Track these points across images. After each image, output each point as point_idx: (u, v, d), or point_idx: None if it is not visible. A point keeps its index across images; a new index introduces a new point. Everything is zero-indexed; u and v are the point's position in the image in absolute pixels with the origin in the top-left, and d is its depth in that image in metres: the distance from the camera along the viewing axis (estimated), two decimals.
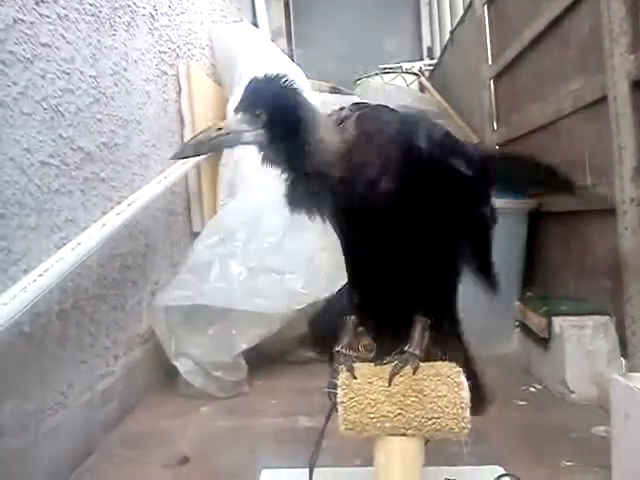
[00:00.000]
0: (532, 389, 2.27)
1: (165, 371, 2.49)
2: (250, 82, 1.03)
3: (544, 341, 2.25)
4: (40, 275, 1.60)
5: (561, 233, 2.77)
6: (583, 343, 2.09)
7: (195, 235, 2.95)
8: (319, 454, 1.13)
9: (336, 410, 1.03)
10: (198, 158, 2.95)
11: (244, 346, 2.43)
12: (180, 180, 2.87)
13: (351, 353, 1.08)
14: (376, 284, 1.09)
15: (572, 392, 2.09)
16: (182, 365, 2.39)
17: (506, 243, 2.67)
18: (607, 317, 2.12)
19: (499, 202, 2.96)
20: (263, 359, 2.64)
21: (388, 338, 1.12)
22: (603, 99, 2.15)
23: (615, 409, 1.45)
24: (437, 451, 1.19)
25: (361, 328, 1.12)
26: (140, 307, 2.47)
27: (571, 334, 2.10)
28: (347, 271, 1.13)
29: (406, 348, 1.04)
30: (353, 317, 1.12)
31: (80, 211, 1.99)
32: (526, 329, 2.45)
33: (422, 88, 5.61)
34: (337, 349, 1.08)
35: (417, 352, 1.04)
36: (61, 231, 1.86)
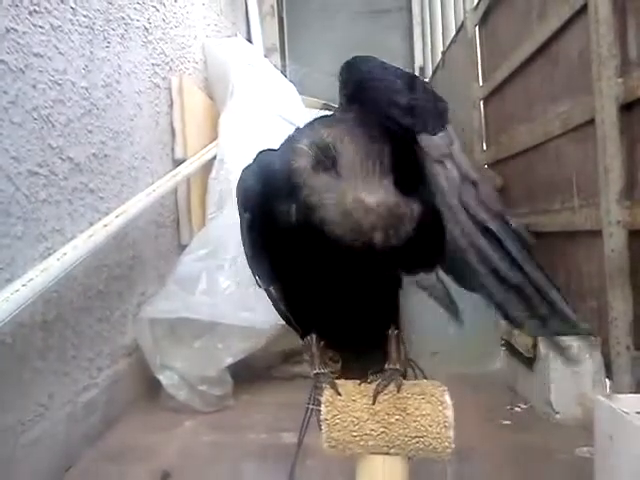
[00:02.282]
0: (517, 409, 2.27)
1: (149, 384, 2.46)
2: None
3: (530, 361, 2.25)
4: (24, 285, 1.59)
5: (548, 253, 2.78)
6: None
7: (183, 247, 2.94)
8: (300, 471, 1.13)
9: (320, 427, 1.03)
10: (189, 171, 2.96)
11: (230, 360, 2.42)
12: (169, 192, 2.86)
13: (327, 370, 1.07)
14: (341, 303, 1.08)
15: (557, 412, 2.09)
16: (166, 378, 2.37)
17: None
18: (592, 338, 2.12)
19: None
20: (249, 374, 2.62)
21: (352, 350, 1.12)
22: (591, 122, 2.18)
23: (599, 430, 1.46)
24: (421, 470, 1.18)
25: (322, 342, 1.11)
26: (125, 319, 2.45)
27: (556, 354, 2.10)
28: (294, 294, 1.11)
29: (387, 365, 1.04)
30: (314, 335, 1.11)
31: (67, 221, 1.98)
32: (512, 348, 2.45)
33: None
34: (314, 372, 1.07)
35: (398, 366, 1.04)
36: (47, 241, 1.85)
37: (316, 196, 0.90)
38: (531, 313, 0.91)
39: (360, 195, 0.89)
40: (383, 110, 0.93)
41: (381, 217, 0.89)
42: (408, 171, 0.93)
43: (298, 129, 1.01)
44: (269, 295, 1.12)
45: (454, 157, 0.91)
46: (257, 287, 1.14)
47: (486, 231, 0.89)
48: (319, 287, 1.05)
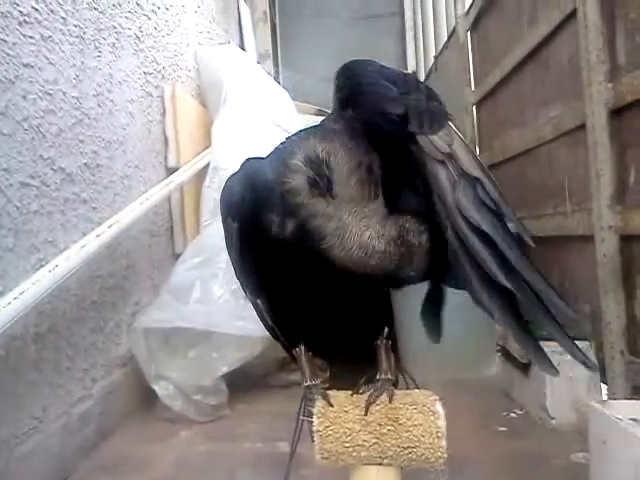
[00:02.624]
0: (513, 414, 2.27)
1: (144, 394, 2.45)
2: None
3: (525, 366, 2.25)
4: (15, 298, 1.58)
5: (541, 258, 2.79)
6: (563, 369, 2.09)
7: (177, 256, 2.94)
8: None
9: (312, 439, 1.02)
10: (182, 179, 2.95)
11: (225, 369, 2.41)
12: (163, 201, 2.86)
13: (318, 382, 1.07)
14: (330, 316, 1.07)
15: (552, 418, 2.09)
16: (161, 388, 2.36)
17: None
18: (587, 343, 2.12)
19: None
20: (244, 382, 2.61)
21: (342, 360, 1.11)
22: (582, 127, 2.18)
23: (593, 436, 1.46)
24: None
25: (310, 353, 1.11)
26: (120, 329, 2.45)
27: (551, 360, 2.10)
28: (280, 304, 1.09)
29: (378, 375, 1.04)
30: (302, 347, 1.11)
31: (59, 232, 1.97)
32: (507, 354, 2.45)
33: None
34: (305, 384, 1.07)
35: (389, 376, 1.03)
36: (39, 252, 1.85)
37: (314, 222, 0.89)
38: (527, 318, 0.89)
39: (362, 234, 0.88)
40: (380, 113, 0.91)
41: (383, 255, 0.88)
42: (409, 184, 0.91)
43: (288, 139, 1.00)
44: (256, 308, 1.11)
45: (454, 156, 0.88)
46: (245, 299, 1.13)
47: (481, 234, 0.86)
48: (307, 300, 1.04)
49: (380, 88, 0.93)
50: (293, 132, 1.02)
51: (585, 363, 0.90)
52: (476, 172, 0.89)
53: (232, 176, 1.03)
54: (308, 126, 1.04)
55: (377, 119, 0.91)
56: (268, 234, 0.96)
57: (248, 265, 1.04)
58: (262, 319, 1.12)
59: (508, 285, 0.84)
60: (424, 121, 0.89)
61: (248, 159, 1.03)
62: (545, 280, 0.88)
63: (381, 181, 0.92)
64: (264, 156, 1.02)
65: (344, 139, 0.94)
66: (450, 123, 0.91)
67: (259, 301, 1.09)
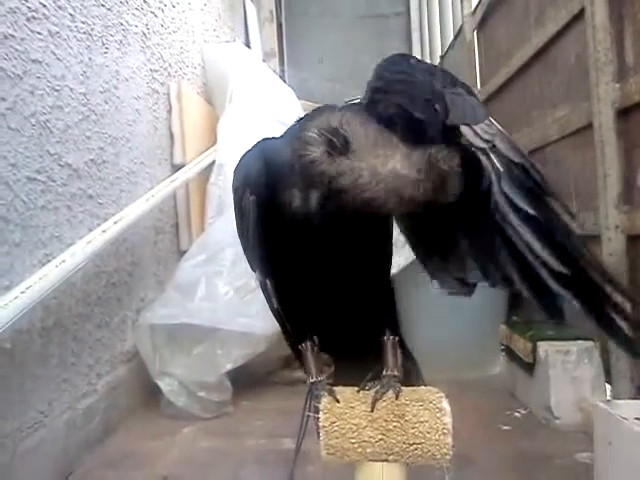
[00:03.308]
0: (517, 414, 2.27)
1: (148, 390, 2.46)
2: None
3: (529, 366, 2.24)
4: (22, 292, 1.59)
5: None
6: (568, 369, 2.09)
7: (182, 253, 2.94)
8: (299, 477, 1.12)
9: (318, 435, 1.03)
10: (188, 176, 2.96)
11: (229, 366, 2.42)
12: (168, 198, 2.86)
13: (324, 378, 1.07)
14: (338, 303, 1.07)
15: (557, 418, 2.08)
16: (166, 384, 2.36)
17: None
18: (592, 343, 2.12)
19: None
20: (248, 379, 2.61)
21: (348, 356, 1.12)
22: (589, 126, 2.18)
23: (598, 436, 1.46)
24: (419, 477, 1.18)
25: (316, 348, 1.11)
26: (125, 325, 2.45)
27: (556, 359, 2.10)
28: (292, 301, 1.09)
29: (384, 372, 1.04)
30: (308, 343, 1.11)
31: (66, 228, 1.98)
32: (511, 353, 2.45)
33: None
34: (311, 381, 1.07)
35: (396, 373, 1.04)
36: (45, 247, 1.85)
37: (341, 179, 0.87)
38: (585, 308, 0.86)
39: (390, 166, 0.86)
40: (420, 103, 0.91)
41: (416, 182, 0.86)
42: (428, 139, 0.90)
43: (300, 120, 0.99)
44: (264, 289, 1.10)
45: (497, 145, 0.89)
46: (255, 281, 1.11)
47: (531, 219, 0.85)
48: (317, 282, 1.04)
49: (423, 80, 0.94)
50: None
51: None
52: (520, 158, 0.89)
53: (247, 152, 1.02)
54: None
55: (412, 107, 0.91)
56: (287, 209, 0.95)
57: (262, 242, 1.03)
58: (268, 301, 1.11)
59: (564, 270, 0.83)
60: (467, 113, 0.91)
61: (263, 139, 1.03)
62: (604, 270, 0.87)
63: (398, 136, 0.90)
64: (278, 137, 1.02)
65: (356, 111, 0.94)
66: (490, 118, 0.92)
67: (268, 281, 1.08)
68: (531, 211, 0.85)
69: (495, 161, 0.88)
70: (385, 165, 0.86)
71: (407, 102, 0.91)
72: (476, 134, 0.89)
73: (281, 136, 1.01)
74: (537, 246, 0.85)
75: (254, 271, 1.09)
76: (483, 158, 0.88)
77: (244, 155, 1.02)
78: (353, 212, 0.89)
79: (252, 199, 1.00)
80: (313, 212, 0.93)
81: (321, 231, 0.94)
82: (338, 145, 0.88)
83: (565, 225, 0.88)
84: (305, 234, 0.96)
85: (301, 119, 1.00)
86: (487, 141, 0.89)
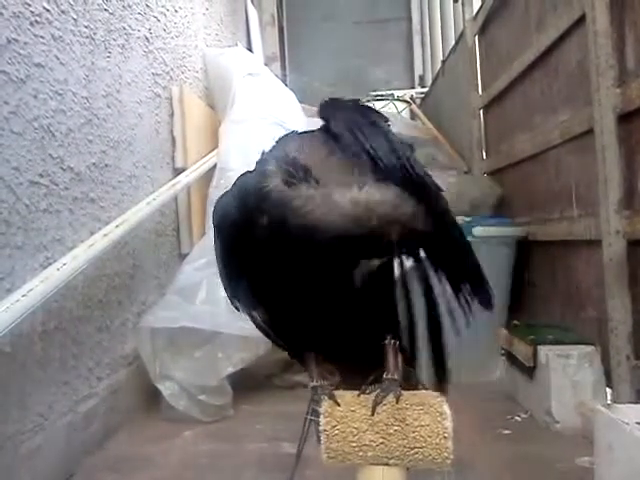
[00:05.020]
0: (517, 418, 2.27)
1: (149, 394, 2.46)
2: None
3: (530, 370, 2.25)
4: (24, 295, 1.59)
5: (548, 262, 2.79)
6: (568, 373, 2.09)
7: (183, 256, 2.94)
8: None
9: (318, 439, 1.03)
10: (189, 180, 2.96)
11: (229, 370, 2.42)
12: (169, 201, 2.87)
13: (325, 382, 1.07)
14: (336, 319, 1.08)
15: (557, 422, 2.09)
16: (166, 388, 2.36)
17: (493, 271, 2.68)
18: (592, 347, 2.12)
19: (488, 230, 2.99)
20: (249, 383, 2.62)
21: (350, 362, 1.12)
22: (590, 131, 2.18)
23: (599, 440, 1.45)
24: None
25: (320, 356, 1.11)
26: (125, 328, 2.45)
27: (556, 363, 2.10)
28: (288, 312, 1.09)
29: (385, 375, 1.04)
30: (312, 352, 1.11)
31: (67, 231, 1.99)
32: (512, 357, 2.45)
33: (413, 116, 5.69)
34: (312, 385, 1.07)
35: (396, 376, 1.04)
36: (47, 251, 1.86)
37: (295, 202, 0.89)
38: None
39: (343, 189, 0.88)
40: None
41: (369, 202, 0.88)
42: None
43: (264, 152, 1.01)
44: (252, 320, 1.11)
45: None
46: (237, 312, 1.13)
47: None
48: (304, 302, 1.04)
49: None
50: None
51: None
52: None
53: (222, 196, 1.05)
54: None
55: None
56: (254, 240, 0.97)
57: (237, 278, 1.05)
58: (259, 328, 1.12)
59: None
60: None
61: (240, 175, 1.05)
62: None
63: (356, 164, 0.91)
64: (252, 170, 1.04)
65: (315, 136, 0.97)
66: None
67: (254, 313, 1.10)
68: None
69: None
70: (341, 193, 0.89)
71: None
72: None
73: (252, 170, 1.03)
74: None
75: (235, 306, 1.10)
76: None
77: (218, 199, 1.05)
78: (317, 237, 0.91)
79: (219, 238, 1.03)
80: (275, 234, 0.94)
81: (291, 249, 0.95)
82: (297, 174, 0.90)
83: None
84: (278, 258, 0.97)
85: (264, 152, 1.02)
86: None
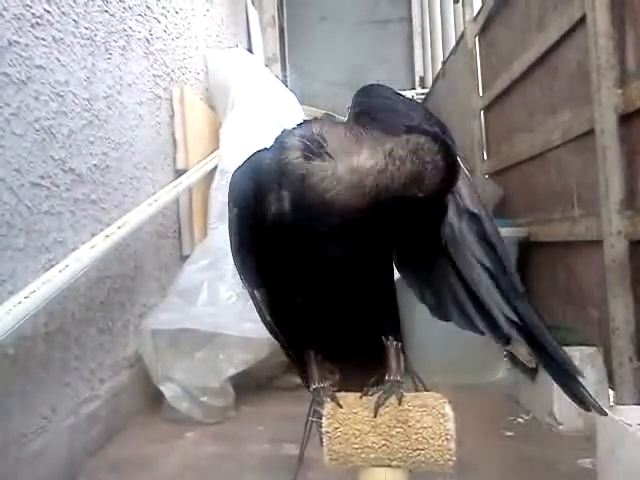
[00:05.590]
0: (520, 419, 2.26)
1: (151, 395, 2.46)
2: None
3: (532, 371, 2.24)
4: (26, 297, 1.59)
5: (549, 263, 2.79)
6: None
7: (185, 258, 2.95)
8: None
9: (321, 440, 1.03)
10: (190, 181, 2.96)
11: (231, 371, 2.42)
12: (171, 203, 2.87)
13: (327, 384, 1.07)
14: (338, 314, 1.07)
15: (560, 423, 2.08)
16: (168, 390, 2.36)
17: None
18: (594, 348, 2.12)
19: None
20: (250, 384, 2.62)
21: (351, 362, 1.11)
22: (591, 132, 2.18)
23: (601, 442, 1.45)
24: None
25: (320, 356, 1.11)
26: (127, 330, 2.46)
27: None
28: (293, 310, 1.09)
29: (387, 377, 1.04)
30: (312, 351, 1.11)
31: (69, 232, 1.99)
32: (514, 359, 2.44)
33: None
34: (314, 387, 1.07)
35: (398, 378, 1.04)
36: (49, 252, 1.86)
37: (312, 178, 0.89)
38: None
39: (356, 160, 0.87)
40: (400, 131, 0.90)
41: (383, 173, 0.86)
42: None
43: (285, 130, 1.01)
44: (254, 300, 1.10)
45: (461, 190, 0.92)
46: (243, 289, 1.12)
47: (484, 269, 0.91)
48: (308, 290, 1.04)
49: (397, 111, 0.96)
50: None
51: (595, 407, 0.92)
52: (476, 209, 0.93)
53: (238, 168, 1.05)
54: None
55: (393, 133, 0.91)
56: (269, 217, 0.96)
57: (247, 254, 1.05)
58: (259, 312, 1.12)
59: (512, 333, 0.92)
60: None
61: (254, 152, 1.05)
62: (544, 323, 0.97)
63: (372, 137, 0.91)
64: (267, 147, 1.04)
65: (337, 122, 0.98)
66: (459, 159, 0.92)
67: (256, 292, 1.09)
68: (485, 262, 0.91)
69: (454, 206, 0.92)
70: (349, 160, 0.88)
71: (389, 128, 0.92)
72: None
73: (269, 147, 1.03)
74: (492, 292, 0.92)
75: (242, 283, 1.10)
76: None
77: (234, 170, 1.05)
78: (328, 212, 0.90)
79: (234, 211, 1.02)
80: (290, 210, 0.94)
81: (310, 236, 0.95)
82: (314, 149, 0.90)
83: (513, 280, 0.95)
84: (290, 240, 0.97)
85: (285, 130, 1.01)
86: None
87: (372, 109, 0.99)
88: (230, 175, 1.06)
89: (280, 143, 0.95)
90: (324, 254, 0.97)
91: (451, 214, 0.92)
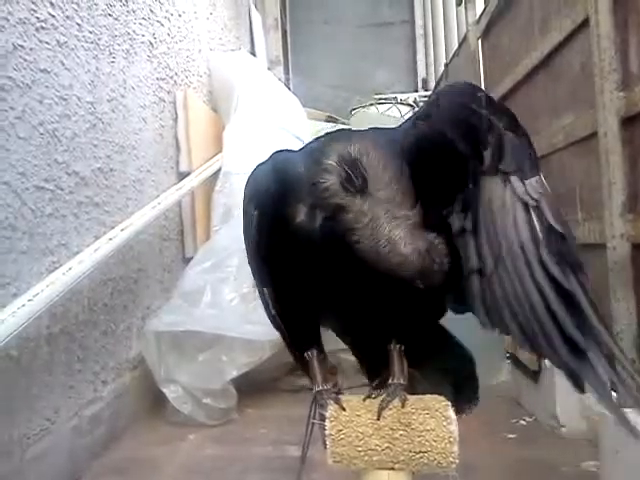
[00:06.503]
0: (522, 422, 2.26)
1: (154, 397, 2.47)
2: None
3: (535, 374, 2.24)
4: (30, 300, 1.60)
5: None
6: None
7: (188, 260, 2.95)
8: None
9: (324, 443, 1.03)
10: (193, 184, 2.97)
11: (234, 373, 2.42)
12: (174, 205, 2.88)
13: (329, 387, 1.07)
14: (346, 317, 1.08)
15: (562, 426, 2.08)
16: (171, 392, 2.37)
17: None
18: None
19: None
20: (253, 386, 2.62)
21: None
22: (594, 135, 2.18)
23: (604, 445, 1.45)
24: None
25: (322, 356, 1.11)
26: (130, 332, 2.46)
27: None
28: (302, 309, 1.09)
29: (390, 380, 1.04)
30: (314, 351, 1.11)
31: (73, 235, 1.99)
32: (517, 361, 2.45)
33: None
34: (316, 389, 1.07)
35: (402, 381, 1.04)
36: (53, 255, 1.86)
37: (346, 216, 0.88)
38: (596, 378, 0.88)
39: (392, 233, 0.86)
40: (471, 136, 0.89)
41: (405, 260, 0.86)
42: (452, 211, 0.91)
43: (320, 140, 1.00)
44: (262, 297, 1.11)
45: (542, 205, 0.90)
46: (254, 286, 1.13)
47: (559, 288, 0.87)
48: (315, 293, 1.04)
49: (483, 115, 0.92)
50: (328, 131, 1.03)
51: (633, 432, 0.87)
52: (559, 226, 0.90)
53: (260, 165, 1.04)
54: (340, 128, 1.04)
55: (458, 139, 0.90)
56: (291, 224, 0.96)
57: (264, 253, 1.04)
58: (266, 308, 1.12)
59: (588, 351, 0.87)
60: (523, 164, 0.91)
61: (278, 151, 1.04)
62: (615, 342, 0.91)
63: (421, 194, 0.90)
64: (294, 150, 1.03)
65: (382, 142, 0.93)
66: (541, 174, 0.91)
67: (265, 290, 1.09)
68: (565, 284, 0.87)
69: (536, 221, 0.89)
70: (389, 226, 0.87)
71: (455, 132, 0.90)
72: (524, 187, 0.89)
73: (297, 151, 1.02)
74: (564, 317, 0.88)
75: (253, 278, 1.10)
76: (523, 213, 0.89)
77: (257, 166, 1.04)
78: (348, 249, 0.89)
79: (255, 213, 1.02)
80: (315, 230, 0.94)
81: (324, 247, 0.94)
82: (354, 180, 0.88)
83: (592, 302, 0.91)
84: (307, 249, 0.97)
85: (321, 138, 1.00)
86: (533, 198, 0.89)
87: (443, 110, 0.94)
88: (233, 178, 1.06)
89: (316, 159, 0.92)
90: (340, 272, 0.97)
91: (524, 226, 0.89)
